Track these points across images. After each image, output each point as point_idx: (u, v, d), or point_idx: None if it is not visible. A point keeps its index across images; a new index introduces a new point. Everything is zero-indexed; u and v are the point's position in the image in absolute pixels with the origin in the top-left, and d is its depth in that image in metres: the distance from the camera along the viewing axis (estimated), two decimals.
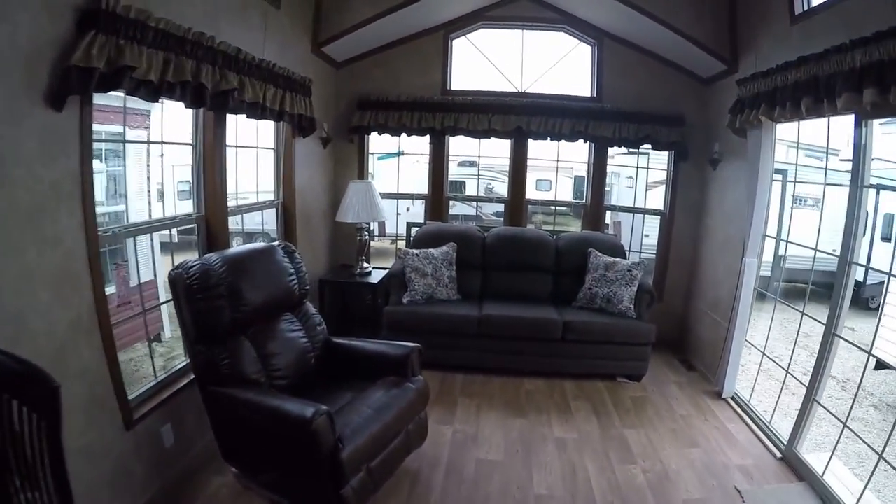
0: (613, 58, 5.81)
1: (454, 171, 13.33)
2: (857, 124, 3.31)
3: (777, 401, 4.50)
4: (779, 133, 4.45)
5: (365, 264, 5.62)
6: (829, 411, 4.11)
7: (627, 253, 5.85)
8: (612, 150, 6.35)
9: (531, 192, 6.54)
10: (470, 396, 4.65)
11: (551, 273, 5.64)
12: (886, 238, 10.22)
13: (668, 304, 6.14)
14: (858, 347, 4.49)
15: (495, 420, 4.24)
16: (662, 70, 5.78)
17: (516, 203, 6.34)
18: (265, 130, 4.66)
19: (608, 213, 7.08)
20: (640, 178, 6.69)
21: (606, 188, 6.66)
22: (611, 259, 5.30)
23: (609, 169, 6.42)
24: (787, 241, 4.73)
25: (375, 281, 5.38)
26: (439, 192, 6.31)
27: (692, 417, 4.56)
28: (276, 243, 3.65)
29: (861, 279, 9.94)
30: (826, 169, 4.84)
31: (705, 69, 5.43)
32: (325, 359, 3.57)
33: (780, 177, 8.25)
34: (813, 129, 4.31)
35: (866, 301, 10.51)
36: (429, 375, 4.05)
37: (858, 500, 3.15)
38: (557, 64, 6.12)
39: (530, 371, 5.11)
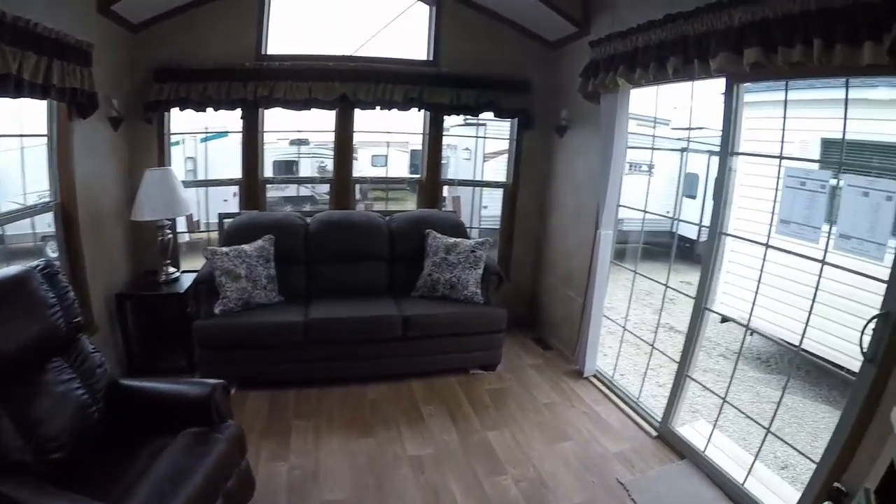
0: (454, 19, 5.48)
1: (285, 151, 12.52)
2: (728, 89, 3.32)
3: (644, 375, 4.51)
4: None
5: (171, 269, 4.91)
6: (704, 387, 4.16)
7: (468, 230, 5.64)
8: (449, 122, 6.05)
9: (368, 170, 6.17)
10: (306, 417, 4.11)
11: (386, 261, 5.23)
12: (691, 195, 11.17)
13: (517, 280, 6.06)
14: (737, 322, 4.52)
15: (338, 445, 3.79)
16: (508, 33, 5.55)
17: (342, 182, 5.77)
18: (36, 112, 3.82)
19: (445, 189, 6.77)
20: (479, 149, 6.46)
21: (443, 161, 6.34)
22: (451, 240, 4.99)
23: (445, 141, 6.07)
24: (644, 211, 4.70)
25: (184, 288, 4.67)
26: (254, 174, 5.54)
27: (557, 405, 4.44)
28: (33, 266, 2.82)
29: (695, 237, 11.13)
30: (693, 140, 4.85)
31: (554, 32, 5.28)
32: (112, 410, 2.88)
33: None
34: (642, 100, 4.40)
35: (699, 257, 11.00)
36: (255, 398, 3.52)
37: (750, 470, 3.29)
38: (391, 24, 5.68)
39: (373, 376, 4.68)
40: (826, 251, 2.84)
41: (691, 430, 4.07)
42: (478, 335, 4.75)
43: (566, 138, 5.40)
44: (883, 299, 2.50)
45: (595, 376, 4.87)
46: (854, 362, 2.54)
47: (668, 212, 11.43)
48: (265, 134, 5.49)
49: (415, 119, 5.78)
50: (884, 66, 2.23)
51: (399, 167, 12.71)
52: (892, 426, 1.88)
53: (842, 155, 2.88)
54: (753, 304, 3.43)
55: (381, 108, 5.30)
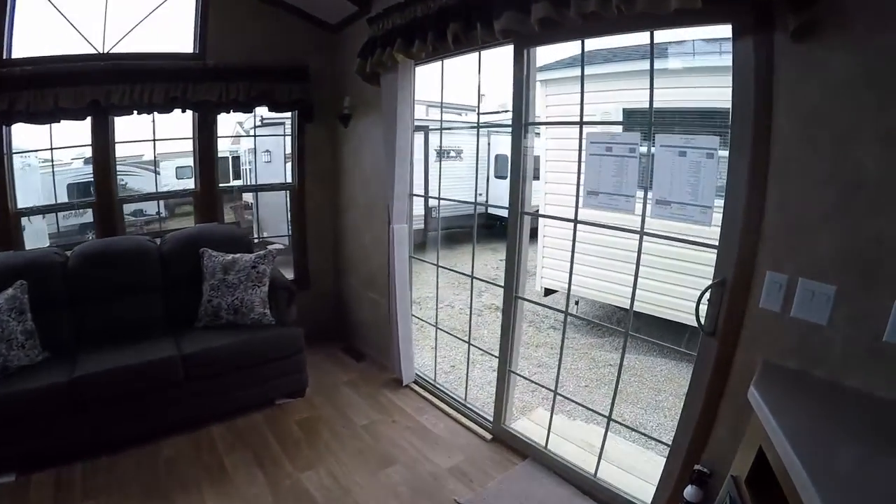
0: (223, 5, 4.65)
1: (81, 171, 10.55)
2: (517, 55, 3.02)
3: (466, 375, 4.08)
4: (419, 94, 3.98)
5: None
6: (530, 380, 3.80)
7: (253, 240, 4.93)
8: (248, 123, 5.18)
9: (173, 183, 5.31)
10: (96, 495, 3.18)
11: (160, 291, 4.32)
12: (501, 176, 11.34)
13: (318, 288, 5.48)
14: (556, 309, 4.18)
15: None
16: (284, 17, 4.84)
17: (104, 204, 4.69)
18: None
19: (248, 196, 5.82)
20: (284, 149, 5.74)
21: (245, 166, 5.46)
22: (229, 257, 4.25)
23: (247, 144, 5.21)
24: (439, 199, 4.32)
25: None
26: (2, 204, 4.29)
27: (378, 425, 3.95)
28: None
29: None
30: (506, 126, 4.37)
31: (334, 13, 4.68)
32: None
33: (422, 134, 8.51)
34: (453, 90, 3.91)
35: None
36: (40, 482, 3.11)
37: (600, 456, 3.07)
38: (153, 16, 4.69)
39: (165, 429, 3.81)
40: (643, 220, 2.57)
41: (528, 423, 3.82)
42: (276, 361, 4.06)
43: (351, 128, 4.85)
44: (715, 266, 2.21)
45: (416, 382, 4.46)
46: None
47: (480, 194, 11.71)
48: (55, 151, 4.72)
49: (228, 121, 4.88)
50: (695, 12, 1.99)
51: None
52: (753, 407, 1.72)
53: (650, 110, 2.49)
54: (570, 274, 3.19)
55: (139, 113, 4.48)
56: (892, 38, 1.64)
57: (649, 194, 2.48)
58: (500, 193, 11.41)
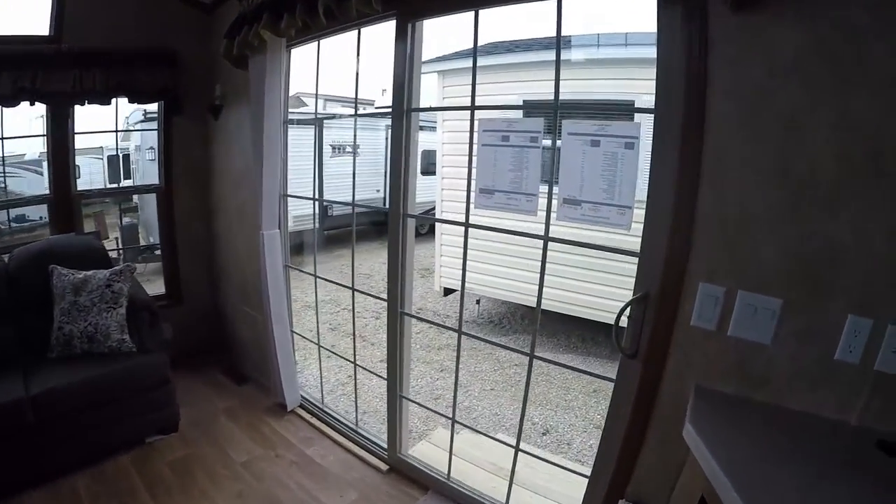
0: None
1: None
2: (399, 30, 2.47)
3: (356, 396, 3.56)
4: (311, 86, 3.34)
5: None
6: (424, 406, 3.30)
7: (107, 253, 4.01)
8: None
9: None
10: None
11: (8, 316, 3.44)
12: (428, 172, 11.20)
13: (193, 302, 4.75)
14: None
15: None
16: None
17: None
18: None
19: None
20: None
21: (133, 165, 4.59)
22: (80, 275, 3.43)
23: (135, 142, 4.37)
24: (318, 201, 3.66)
25: None
26: None
27: (259, 461, 3.35)
28: None
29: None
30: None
31: None
32: None
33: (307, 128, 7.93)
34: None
35: (417, 229, 11.27)
36: None
37: (512, 479, 2.68)
38: None
39: (20, 485, 3.00)
40: (548, 223, 2.13)
41: (429, 447, 3.40)
42: (141, 394, 3.35)
43: (222, 121, 4.17)
44: (637, 278, 1.78)
45: (303, 406, 3.88)
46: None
47: (378, 190, 11.32)
48: None
49: None
50: None
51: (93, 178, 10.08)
52: (690, 447, 1.48)
53: (556, 89, 1.99)
54: (462, 281, 2.67)
55: None
56: (848, 10, 1.35)
57: (555, 191, 2.02)
58: (423, 190, 11.23)
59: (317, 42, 3.16)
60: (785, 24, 1.44)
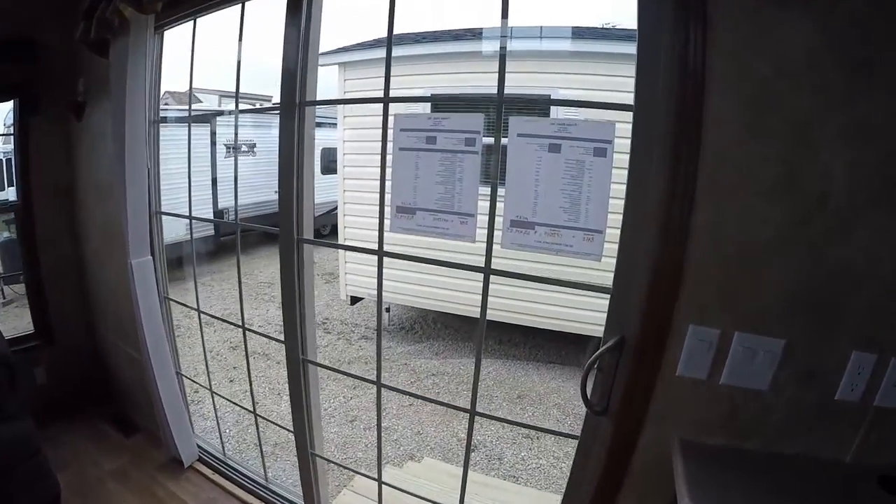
0: None
1: None
2: (292, 8, 1.87)
3: (261, 449, 3.01)
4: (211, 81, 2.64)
5: None
6: (341, 465, 2.80)
7: None
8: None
9: None
10: None
11: None
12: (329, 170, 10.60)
13: (67, 340, 3.91)
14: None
15: None
16: None
17: None
18: None
19: None
20: None
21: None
22: None
23: None
24: (190, 217, 2.97)
25: None
26: None
27: None
28: None
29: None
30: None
31: None
32: None
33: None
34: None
35: (318, 231, 10.80)
36: None
37: None
38: None
39: None
40: (489, 254, 1.67)
41: (353, 497, 2.95)
42: (8, 471, 2.55)
43: (86, 121, 3.34)
44: (608, 319, 1.36)
45: (201, 460, 3.23)
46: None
47: (276, 192, 10.59)
48: None
49: None
50: None
51: None
52: None
53: (501, 77, 1.52)
54: (379, 312, 2.17)
55: None
56: (859, 3, 1.08)
57: (499, 210, 1.55)
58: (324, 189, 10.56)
59: (192, 21, 2.54)
60: (794, 13, 1.12)
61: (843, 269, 1.17)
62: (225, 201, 8.94)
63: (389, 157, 1.68)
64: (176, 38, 2.77)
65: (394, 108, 1.72)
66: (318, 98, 1.95)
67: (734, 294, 1.27)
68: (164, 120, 2.89)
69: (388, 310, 6.93)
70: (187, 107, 3.75)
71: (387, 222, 1.71)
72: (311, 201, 1.99)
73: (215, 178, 8.44)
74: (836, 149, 1.12)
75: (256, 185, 9.95)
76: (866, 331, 1.20)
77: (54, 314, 3.84)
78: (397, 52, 5.83)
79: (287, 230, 1.98)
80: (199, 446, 3.23)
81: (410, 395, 1.97)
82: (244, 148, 9.53)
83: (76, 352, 3.90)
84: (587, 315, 5.30)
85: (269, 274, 8.61)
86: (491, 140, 1.54)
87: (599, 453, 1.52)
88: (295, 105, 1.86)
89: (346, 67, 6.19)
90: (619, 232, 1.34)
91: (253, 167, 9.83)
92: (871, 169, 1.11)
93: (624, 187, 1.30)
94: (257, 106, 12.07)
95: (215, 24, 2.64)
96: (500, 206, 1.51)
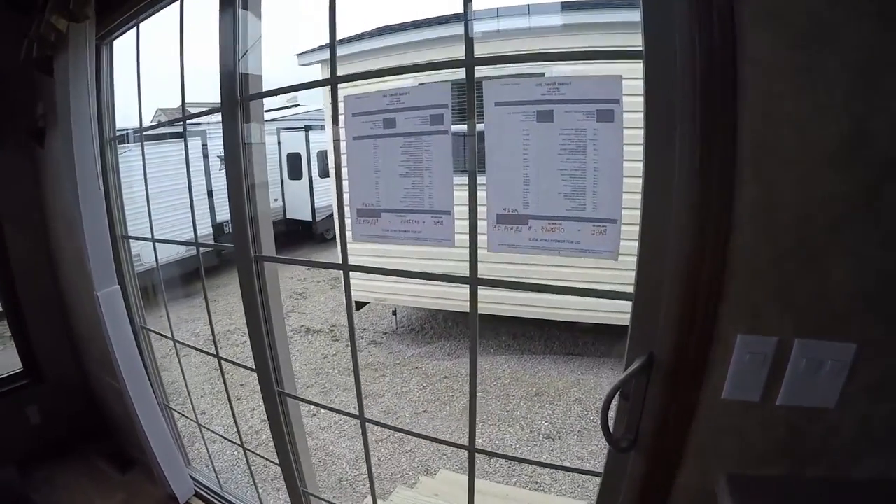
0: None
1: None
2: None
3: (254, 483, 2.72)
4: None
5: None
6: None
7: None
8: None
9: None
10: None
11: None
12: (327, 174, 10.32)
13: (57, 376, 3.66)
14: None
15: None
16: None
17: None
18: None
19: None
20: None
21: None
22: None
23: None
24: (154, 240, 2.67)
25: None
26: None
27: None
28: None
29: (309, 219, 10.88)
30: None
31: None
32: None
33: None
34: None
35: (322, 235, 10.71)
36: None
37: None
38: None
39: None
40: (474, 262, 1.33)
41: None
42: None
43: (48, 147, 3.04)
44: (631, 335, 1.09)
45: (198, 496, 2.96)
46: None
47: (276, 199, 10.50)
48: None
49: None
50: None
51: None
52: None
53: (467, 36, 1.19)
54: (351, 330, 1.92)
55: None
56: None
57: (481, 199, 1.22)
58: (296, 195, 10.36)
59: (135, 27, 2.26)
60: None
61: None
62: (222, 214, 8.77)
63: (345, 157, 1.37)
64: (160, 51, 2.52)
65: (352, 89, 1.39)
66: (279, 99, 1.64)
67: (794, 291, 0.94)
68: (126, 139, 2.60)
69: (394, 312, 6.64)
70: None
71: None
72: (268, 211, 1.68)
73: (210, 192, 8.20)
74: None
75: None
76: None
77: (40, 350, 3.59)
78: (381, 42, 5.48)
79: (242, 247, 1.66)
80: (195, 480, 2.95)
81: (396, 430, 1.68)
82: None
83: (67, 387, 3.65)
84: (604, 303, 4.97)
85: (295, 284, 8.42)
86: (463, 126, 1.23)
87: (628, 495, 1.21)
88: (236, 101, 1.55)
89: (328, 65, 5.87)
90: (638, 218, 1.01)
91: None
92: None
93: (640, 160, 0.98)
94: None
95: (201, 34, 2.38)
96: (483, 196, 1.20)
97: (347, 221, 1.43)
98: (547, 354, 5.48)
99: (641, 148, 0.95)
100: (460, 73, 1.16)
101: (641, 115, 0.94)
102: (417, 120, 1.26)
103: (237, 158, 1.56)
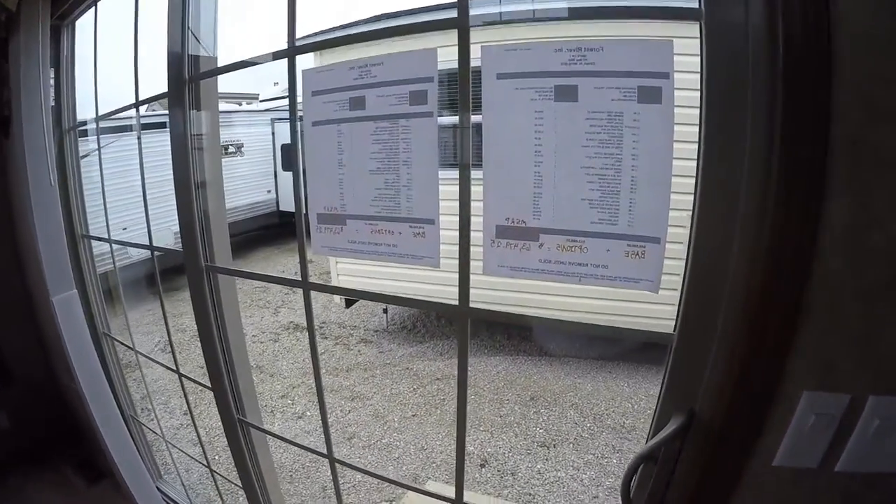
0: None
1: None
2: None
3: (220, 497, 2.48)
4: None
5: None
6: None
7: None
8: None
9: None
10: None
11: None
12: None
13: (26, 380, 3.39)
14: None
15: None
16: None
17: None
18: None
19: None
20: None
21: None
22: None
23: None
24: (111, 241, 2.38)
25: None
26: None
27: None
28: None
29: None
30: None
31: None
32: None
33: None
34: None
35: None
36: None
37: None
38: None
39: None
40: (465, 289, 1.02)
41: None
42: None
43: (14, 137, 2.78)
44: (665, 385, 0.78)
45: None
46: None
47: (269, 191, 10.19)
48: None
49: None
50: None
51: None
52: None
53: None
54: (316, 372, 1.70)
55: None
56: None
57: (476, 209, 0.92)
58: (289, 187, 10.22)
59: (93, 5, 2.00)
60: None
61: None
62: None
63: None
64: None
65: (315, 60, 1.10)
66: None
67: (879, 336, 0.70)
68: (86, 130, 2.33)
69: (385, 310, 6.37)
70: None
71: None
72: (222, 213, 1.39)
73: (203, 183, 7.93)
74: None
75: (247, 187, 9.58)
76: None
77: (7, 351, 3.32)
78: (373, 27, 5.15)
79: (191, 256, 1.38)
80: (164, 494, 2.70)
81: (367, 473, 1.46)
82: (231, 149, 9.01)
83: (38, 391, 3.38)
84: (610, 305, 4.69)
85: (261, 283, 8.11)
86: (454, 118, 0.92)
87: None
88: (184, 82, 1.26)
89: (322, 54, 5.52)
90: (685, 239, 0.74)
91: (243, 167, 9.38)
92: None
93: (693, 159, 0.71)
94: (243, 105, 11.44)
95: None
96: (477, 204, 0.91)
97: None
98: (543, 356, 5.23)
99: (694, 145, 0.69)
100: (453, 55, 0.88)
101: (695, 100, 0.68)
102: (393, 99, 0.95)
103: (184, 151, 1.27)
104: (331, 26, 5.67)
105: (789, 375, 0.74)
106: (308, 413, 4.33)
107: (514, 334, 5.70)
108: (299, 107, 1.05)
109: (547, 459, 3.77)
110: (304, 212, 1.08)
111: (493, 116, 0.86)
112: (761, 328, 0.71)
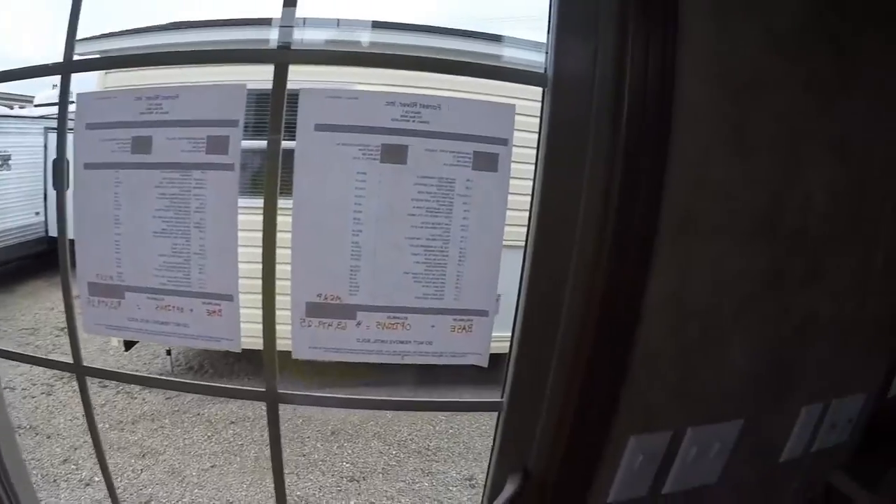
0: None
1: None
2: None
3: None
4: None
5: None
6: None
7: None
8: None
9: None
10: None
11: None
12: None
13: None
14: None
15: None
16: None
17: None
18: None
19: None
20: None
21: None
22: None
23: None
24: None
25: None
26: None
27: None
28: None
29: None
30: None
31: None
32: None
33: None
34: None
35: None
36: None
37: None
38: None
39: None
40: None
41: None
42: None
43: None
44: (497, 448, 0.82)
45: None
46: None
47: (37, 213, 8.48)
48: None
49: None
50: None
51: None
52: None
53: None
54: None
55: None
56: None
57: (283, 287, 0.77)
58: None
59: None
60: None
61: (808, 318, 0.81)
62: None
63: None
64: None
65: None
66: None
67: (691, 381, 0.76)
68: None
69: (168, 352, 5.73)
70: None
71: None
72: None
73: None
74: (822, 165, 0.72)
75: (12, 207, 7.75)
76: (819, 383, 0.89)
77: None
78: (169, 38, 4.48)
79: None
80: None
81: None
82: None
83: None
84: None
85: (32, 317, 6.68)
86: (260, 144, 0.74)
87: None
88: None
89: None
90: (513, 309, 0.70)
91: (10, 184, 7.58)
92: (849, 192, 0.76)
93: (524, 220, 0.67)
94: (15, 108, 9.53)
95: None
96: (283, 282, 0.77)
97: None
98: (336, 386, 5.08)
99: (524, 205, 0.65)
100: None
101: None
102: (186, 143, 0.75)
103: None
104: (121, 28, 4.82)
105: (616, 425, 0.74)
106: (97, 478, 3.65)
107: (309, 369, 5.48)
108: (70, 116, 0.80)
109: (359, 493, 3.64)
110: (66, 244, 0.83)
111: (307, 174, 0.72)
112: (588, 388, 0.71)
